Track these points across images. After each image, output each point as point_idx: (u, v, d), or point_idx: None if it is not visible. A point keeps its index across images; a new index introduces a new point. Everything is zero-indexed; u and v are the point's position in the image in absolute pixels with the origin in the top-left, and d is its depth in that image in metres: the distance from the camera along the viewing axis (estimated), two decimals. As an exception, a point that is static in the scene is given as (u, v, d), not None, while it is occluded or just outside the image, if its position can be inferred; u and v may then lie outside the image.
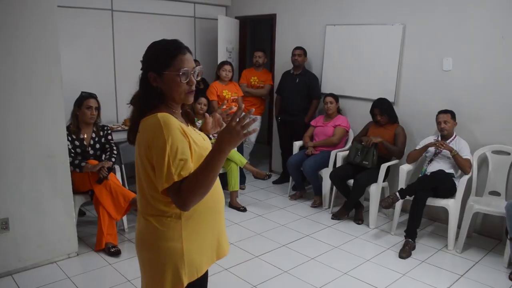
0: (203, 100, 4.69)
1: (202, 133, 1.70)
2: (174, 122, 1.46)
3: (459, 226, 3.86)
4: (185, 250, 1.54)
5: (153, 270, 1.58)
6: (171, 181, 1.40)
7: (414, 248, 3.73)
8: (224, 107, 1.97)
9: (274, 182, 5.61)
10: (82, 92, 3.85)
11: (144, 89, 1.55)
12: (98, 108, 3.81)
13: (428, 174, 3.94)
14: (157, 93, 1.53)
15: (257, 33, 7.60)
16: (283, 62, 5.67)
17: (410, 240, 3.72)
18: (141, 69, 1.56)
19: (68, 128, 3.65)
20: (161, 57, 1.51)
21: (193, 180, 1.39)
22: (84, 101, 3.74)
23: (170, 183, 1.40)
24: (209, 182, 1.40)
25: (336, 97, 4.88)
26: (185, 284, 1.57)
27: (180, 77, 1.51)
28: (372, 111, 4.50)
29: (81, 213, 4.34)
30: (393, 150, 4.35)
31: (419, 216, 3.73)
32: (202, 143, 1.59)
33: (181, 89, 1.53)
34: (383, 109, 4.41)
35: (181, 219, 1.53)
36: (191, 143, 1.50)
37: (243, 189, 5.34)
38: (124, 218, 3.94)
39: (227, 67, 5.21)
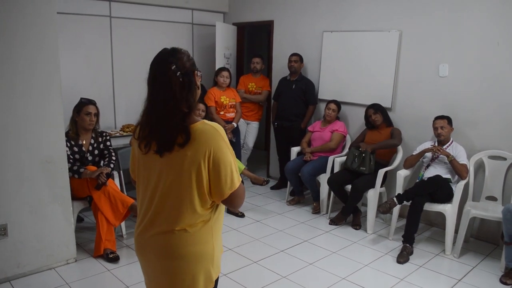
0: (201, 106, 4.67)
1: None
2: (223, 130, 1.56)
3: (456, 231, 3.88)
4: (216, 250, 1.65)
5: (185, 276, 1.60)
6: (235, 187, 1.54)
7: (411, 253, 3.74)
8: None
9: (272, 188, 5.62)
10: (81, 98, 3.86)
11: (193, 88, 1.55)
12: (97, 114, 3.82)
13: (425, 179, 3.95)
14: (198, 92, 1.60)
15: (255, 40, 7.63)
16: (280, 68, 5.70)
17: (408, 245, 3.73)
18: (183, 71, 1.52)
19: (67, 134, 3.66)
20: (193, 60, 1.60)
21: (241, 188, 1.59)
22: (83, 107, 3.74)
23: (234, 189, 1.54)
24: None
25: (339, 105, 4.89)
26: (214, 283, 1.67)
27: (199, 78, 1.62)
28: (366, 114, 4.54)
29: (79, 219, 4.34)
30: (390, 143, 4.35)
31: (416, 221, 3.74)
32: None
33: None
34: (376, 109, 4.45)
35: (210, 221, 1.61)
36: None
37: (241, 194, 5.32)
38: (123, 224, 3.94)
39: (225, 73, 5.23)
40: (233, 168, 1.53)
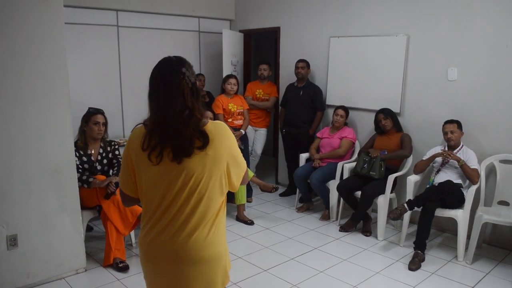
0: (209, 114, 4.68)
1: None
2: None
3: (468, 237, 3.83)
4: (227, 249, 1.75)
5: (203, 280, 1.66)
6: (245, 166, 1.75)
7: (423, 259, 3.71)
8: None
9: (281, 195, 5.60)
10: (89, 107, 3.89)
11: (200, 96, 1.63)
12: (105, 124, 3.84)
13: (436, 184, 3.92)
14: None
15: (262, 46, 7.64)
16: (287, 74, 5.69)
17: (420, 251, 3.69)
18: (192, 80, 1.59)
19: (75, 144, 3.68)
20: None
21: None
22: (92, 116, 3.77)
23: (246, 166, 1.76)
24: None
25: (347, 111, 4.87)
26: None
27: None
28: (376, 119, 4.52)
29: (88, 228, 4.35)
30: (400, 154, 4.35)
31: (427, 227, 3.71)
32: None
33: None
34: (386, 113, 4.44)
35: (221, 221, 1.70)
36: None
37: (250, 202, 5.33)
38: (132, 233, 3.94)
39: (232, 80, 5.23)
40: (240, 155, 1.71)
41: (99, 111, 3.84)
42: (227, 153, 1.63)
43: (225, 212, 1.74)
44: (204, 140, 1.56)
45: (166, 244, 1.62)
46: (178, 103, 1.54)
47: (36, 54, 3.10)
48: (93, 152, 3.83)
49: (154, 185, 1.63)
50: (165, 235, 1.62)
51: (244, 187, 4.66)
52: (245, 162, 1.75)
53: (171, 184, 1.60)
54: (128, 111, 5.44)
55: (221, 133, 1.62)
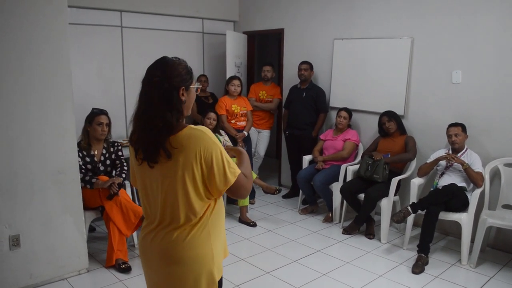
0: (212, 115, 4.69)
1: None
2: (211, 132, 1.63)
3: (472, 241, 3.81)
4: (214, 252, 1.68)
5: (186, 280, 1.64)
6: (234, 178, 1.61)
7: (427, 263, 3.68)
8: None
9: (284, 197, 5.58)
10: (93, 108, 3.89)
11: (174, 105, 1.59)
12: (108, 124, 3.84)
13: (440, 187, 3.90)
14: (183, 107, 1.64)
15: (265, 48, 7.64)
16: (291, 76, 5.68)
17: (423, 255, 3.67)
18: (166, 87, 1.58)
19: (79, 144, 3.68)
20: (188, 73, 1.66)
21: (248, 171, 1.72)
22: (95, 117, 3.77)
23: (235, 178, 1.61)
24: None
25: (350, 113, 4.86)
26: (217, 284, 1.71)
27: (195, 89, 1.71)
28: (380, 121, 4.51)
29: (91, 229, 4.34)
30: (403, 157, 4.34)
31: (431, 230, 3.69)
32: None
33: (194, 99, 1.73)
34: (390, 116, 4.43)
35: (208, 224, 1.66)
36: None
37: (253, 203, 5.32)
38: (134, 234, 3.93)
39: (236, 81, 5.23)
40: (226, 164, 1.60)
41: (103, 112, 3.85)
42: (199, 160, 1.56)
43: (218, 215, 1.71)
44: (166, 152, 1.56)
45: (150, 243, 1.68)
46: (146, 103, 1.59)
47: (39, 55, 3.10)
48: (96, 152, 3.83)
49: (142, 184, 1.71)
50: (150, 235, 1.68)
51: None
52: (231, 176, 1.61)
53: (152, 185, 1.66)
54: (132, 112, 5.38)
55: (194, 140, 1.56)
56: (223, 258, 1.78)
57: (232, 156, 1.78)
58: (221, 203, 1.75)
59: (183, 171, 1.57)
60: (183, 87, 1.61)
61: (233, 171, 1.62)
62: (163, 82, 1.57)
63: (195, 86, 1.69)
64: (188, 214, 1.62)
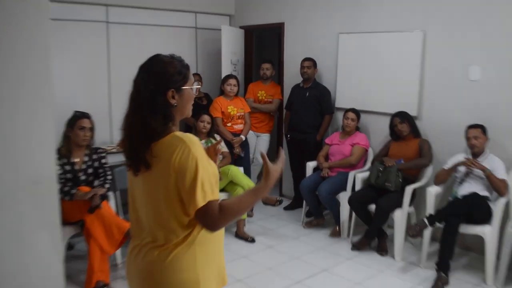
0: (206, 117, 4.63)
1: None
2: (197, 140, 1.57)
3: (498, 257, 3.72)
4: (201, 278, 1.62)
5: None
6: (206, 200, 1.51)
7: (447, 283, 3.60)
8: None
9: (286, 208, 5.51)
10: (75, 111, 3.84)
11: (159, 109, 1.57)
12: (92, 129, 3.80)
13: (460, 197, 3.85)
14: (173, 110, 1.61)
15: (264, 44, 7.64)
16: (292, 74, 5.66)
17: (443, 274, 3.60)
18: (151, 88, 1.58)
19: (58, 151, 3.62)
20: (180, 73, 1.62)
21: (235, 207, 1.55)
22: (77, 121, 3.73)
23: (204, 203, 1.50)
24: (246, 211, 1.63)
25: (358, 114, 4.84)
26: None
27: (193, 90, 1.68)
28: (391, 123, 4.49)
29: (69, 247, 4.26)
30: (418, 163, 4.31)
31: (451, 245, 3.62)
32: (214, 165, 1.66)
33: (191, 102, 1.70)
34: (403, 117, 4.41)
35: (194, 245, 1.60)
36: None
37: (251, 216, 5.24)
38: (118, 251, 3.84)
39: (232, 81, 5.21)
40: (199, 182, 1.50)
41: (86, 115, 3.81)
42: (172, 171, 1.52)
43: (211, 236, 1.65)
44: (145, 163, 1.56)
45: (134, 261, 1.68)
46: (130, 112, 1.60)
47: (17, 52, 3.00)
48: (77, 160, 3.77)
49: (131, 194, 1.73)
50: (134, 251, 1.68)
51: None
52: (199, 198, 1.50)
53: (138, 196, 1.67)
54: (117, 115, 5.32)
55: (171, 149, 1.53)
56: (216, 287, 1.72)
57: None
58: None
59: (158, 183, 1.55)
60: (173, 89, 1.59)
61: (205, 194, 1.52)
62: (148, 83, 1.58)
63: (192, 86, 1.68)
64: (166, 233, 1.59)
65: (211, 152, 1.91)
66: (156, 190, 1.56)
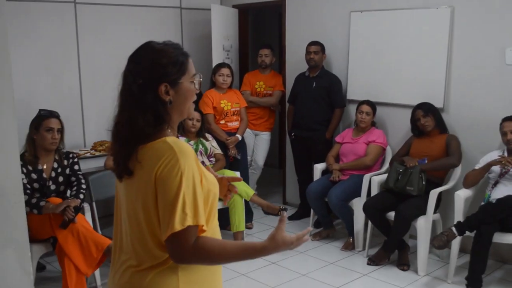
0: (195, 114, 4.68)
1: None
2: (190, 151, 1.56)
3: (537, 270, 3.80)
4: None
5: None
6: (181, 227, 1.46)
7: (479, 300, 3.69)
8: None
9: (291, 218, 5.56)
10: (40, 110, 3.88)
11: (149, 107, 1.58)
12: (61, 130, 3.83)
13: (493, 201, 3.90)
14: (168, 108, 1.61)
15: (262, 26, 7.65)
16: (296, 61, 5.68)
17: (474, 290, 3.68)
18: (139, 83, 1.58)
19: (22, 157, 3.65)
20: (176, 63, 1.61)
21: (215, 252, 1.51)
22: (43, 121, 3.76)
23: (181, 228, 1.46)
24: (225, 263, 1.62)
25: (373, 107, 4.87)
26: None
27: (194, 84, 1.67)
28: (413, 117, 4.52)
29: (40, 267, 4.31)
30: (445, 163, 4.35)
31: (484, 257, 3.69)
32: (210, 176, 1.66)
33: (192, 99, 1.69)
34: (426, 109, 4.44)
35: (177, 271, 1.59)
36: (201, 176, 1.59)
37: (250, 228, 5.31)
38: (97, 272, 3.89)
39: (225, 70, 5.23)
40: (180, 202, 1.47)
41: (53, 114, 3.84)
42: (154, 183, 1.52)
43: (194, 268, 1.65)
44: (127, 170, 1.58)
45: (112, 280, 1.70)
46: (118, 110, 1.63)
47: None
48: (45, 167, 3.81)
49: (116, 204, 1.75)
50: (113, 269, 1.71)
51: (242, 208, 4.64)
52: (177, 221, 1.47)
53: (121, 206, 1.70)
54: (91, 113, 5.43)
55: (156, 156, 1.53)
56: None
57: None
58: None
59: (137, 194, 1.57)
60: (165, 83, 1.58)
61: (185, 217, 1.47)
62: (136, 76, 1.58)
63: (193, 80, 1.67)
64: (142, 252, 1.59)
65: (223, 185, 1.89)
66: (136, 201, 1.58)
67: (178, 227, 1.46)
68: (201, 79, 1.72)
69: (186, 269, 1.59)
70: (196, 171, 1.54)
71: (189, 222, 1.47)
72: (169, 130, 1.63)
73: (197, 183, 1.53)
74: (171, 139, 1.57)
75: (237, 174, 4.78)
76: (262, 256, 1.59)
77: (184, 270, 1.59)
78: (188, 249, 1.48)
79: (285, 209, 4.58)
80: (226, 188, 1.93)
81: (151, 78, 1.58)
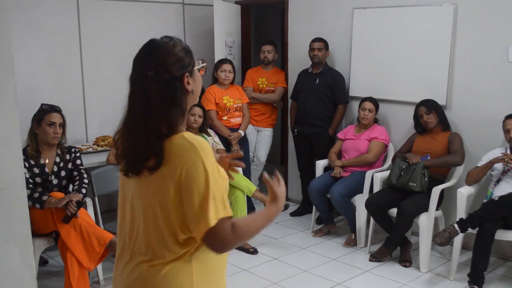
0: (197, 110, 4.66)
1: None
2: (209, 146, 1.58)
3: (539, 267, 3.80)
4: None
5: None
6: (217, 218, 1.51)
7: (481, 297, 3.68)
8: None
9: (292, 214, 5.59)
10: (42, 104, 3.87)
11: (178, 99, 1.61)
12: (63, 125, 3.83)
13: (496, 198, 3.90)
14: (190, 99, 1.67)
15: (265, 22, 7.65)
16: (299, 58, 5.69)
17: (476, 287, 3.67)
18: (165, 79, 1.59)
19: (24, 151, 3.66)
20: (188, 53, 1.66)
21: (251, 227, 1.61)
22: (45, 115, 3.76)
23: (207, 226, 1.50)
24: (259, 232, 1.67)
25: (376, 104, 4.87)
26: None
27: (201, 71, 1.72)
28: (416, 114, 4.53)
29: (42, 262, 4.33)
30: (448, 160, 4.35)
31: (486, 254, 3.69)
32: (221, 169, 1.67)
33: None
34: (430, 106, 4.45)
35: (191, 262, 1.63)
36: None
37: (252, 224, 5.29)
38: (99, 266, 3.91)
39: (227, 66, 5.23)
40: (210, 197, 1.51)
41: (55, 109, 3.84)
42: (178, 182, 1.54)
43: (203, 256, 1.67)
44: (156, 161, 1.56)
45: (120, 276, 1.70)
46: (140, 105, 1.60)
47: None
48: (47, 161, 3.82)
49: (121, 198, 1.76)
50: (120, 265, 1.71)
51: (244, 204, 4.63)
52: (211, 217, 1.51)
53: (126, 202, 1.70)
54: (93, 108, 5.43)
55: (180, 154, 1.55)
56: None
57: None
58: None
59: (156, 190, 1.58)
60: (187, 73, 1.63)
61: (217, 211, 1.52)
62: (161, 73, 1.59)
63: (198, 66, 1.71)
64: (159, 247, 1.61)
65: (224, 164, 1.92)
66: (154, 197, 1.59)
67: (213, 221, 1.50)
68: (204, 65, 1.77)
69: (200, 260, 1.63)
70: (216, 166, 1.58)
71: (222, 214, 1.52)
72: (182, 126, 1.65)
73: (219, 177, 1.57)
74: (188, 134, 1.59)
75: (239, 170, 4.78)
76: (278, 214, 1.72)
77: (197, 262, 1.63)
78: (229, 237, 1.53)
79: (287, 205, 4.59)
80: (227, 165, 1.95)
81: (176, 70, 1.61)
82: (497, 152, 4.08)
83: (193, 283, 1.62)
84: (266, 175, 1.78)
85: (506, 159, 3.88)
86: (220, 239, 1.52)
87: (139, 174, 1.61)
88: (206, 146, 1.56)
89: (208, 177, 1.52)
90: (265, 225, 1.65)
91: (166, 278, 1.60)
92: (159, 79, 1.58)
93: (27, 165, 3.68)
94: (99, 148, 4.96)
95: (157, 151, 1.56)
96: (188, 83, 1.63)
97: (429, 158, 4.37)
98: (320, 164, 5.11)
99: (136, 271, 1.64)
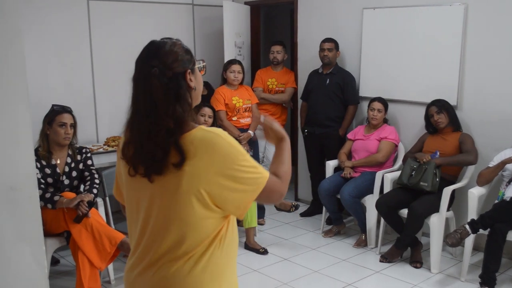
0: (207, 110, 4.67)
1: None
2: (225, 132, 1.65)
3: (552, 268, 3.78)
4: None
5: None
6: (265, 179, 1.64)
7: (492, 299, 3.67)
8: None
9: (302, 215, 5.59)
10: (53, 105, 3.90)
11: (182, 95, 1.63)
12: (74, 125, 3.85)
13: (507, 199, 3.89)
14: (193, 95, 1.70)
15: (274, 23, 7.65)
16: (308, 58, 5.69)
17: (487, 288, 3.66)
18: (170, 75, 1.61)
19: (36, 152, 3.69)
20: (188, 51, 1.70)
21: (286, 166, 1.78)
22: (56, 116, 3.78)
23: (264, 183, 1.63)
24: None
25: (385, 104, 4.87)
26: None
27: (201, 71, 1.78)
28: (427, 113, 4.52)
29: (54, 261, 4.35)
30: (462, 159, 4.33)
31: (497, 255, 3.68)
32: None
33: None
34: (440, 106, 4.43)
35: (219, 253, 1.67)
36: None
37: (262, 224, 5.32)
38: (110, 266, 3.93)
39: (236, 67, 5.25)
40: (252, 166, 1.62)
41: (66, 109, 3.86)
42: (213, 173, 1.57)
43: (232, 246, 1.73)
44: (180, 156, 1.56)
45: (138, 279, 1.69)
46: (146, 104, 1.61)
47: None
48: (58, 162, 3.84)
49: (130, 200, 1.75)
50: (137, 268, 1.69)
51: (254, 204, 4.64)
52: (261, 180, 1.63)
53: (142, 202, 1.69)
54: (103, 109, 5.46)
55: (207, 146, 1.57)
56: None
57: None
58: (235, 227, 1.76)
59: (189, 184, 1.57)
60: (189, 70, 1.67)
61: (262, 170, 1.65)
62: (164, 71, 1.61)
63: (199, 66, 1.76)
64: (190, 239, 1.62)
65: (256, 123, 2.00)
66: (182, 191, 1.58)
67: (266, 175, 1.64)
68: (204, 64, 1.83)
69: (224, 252, 1.69)
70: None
71: (267, 176, 1.65)
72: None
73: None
74: (207, 128, 1.64)
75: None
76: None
77: (222, 253, 1.68)
78: (279, 185, 1.70)
79: (297, 206, 4.59)
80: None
81: (178, 67, 1.63)
82: (508, 153, 4.07)
83: (224, 273, 1.70)
84: (262, 118, 1.90)
85: (517, 160, 3.86)
86: (276, 189, 1.68)
87: (162, 173, 1.59)
88: (224, 132, 1.62)
89: (245, 157, 1.61)
90: (290, 156, 1.83)
91: (203, 272, 1.64)
92: (163, 76, 1.60)
93: (38, 165, 3.70)
94: (110, 149, 4.98)
95: (176, 146, 1.56)
96: (190, 79, 1.66)
97: (438, 154, 4.35)
98: (330, 165, 5.11)
99: (161, 272, 1.64)
